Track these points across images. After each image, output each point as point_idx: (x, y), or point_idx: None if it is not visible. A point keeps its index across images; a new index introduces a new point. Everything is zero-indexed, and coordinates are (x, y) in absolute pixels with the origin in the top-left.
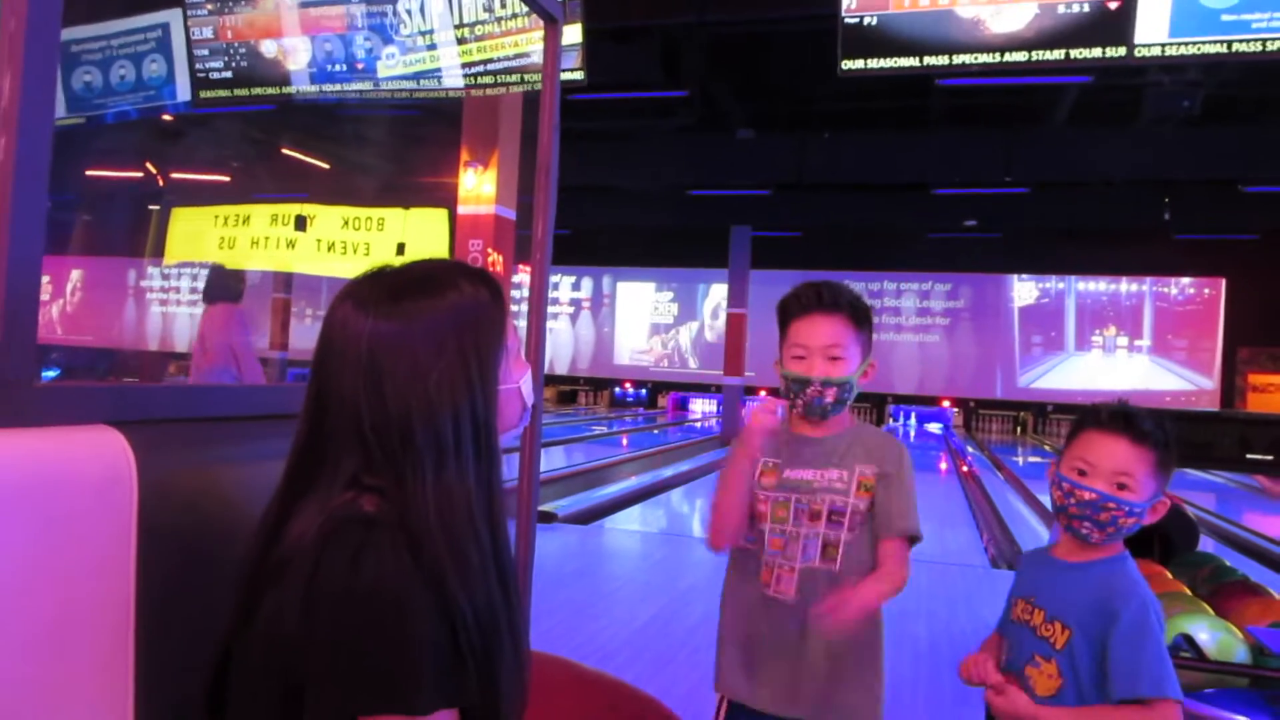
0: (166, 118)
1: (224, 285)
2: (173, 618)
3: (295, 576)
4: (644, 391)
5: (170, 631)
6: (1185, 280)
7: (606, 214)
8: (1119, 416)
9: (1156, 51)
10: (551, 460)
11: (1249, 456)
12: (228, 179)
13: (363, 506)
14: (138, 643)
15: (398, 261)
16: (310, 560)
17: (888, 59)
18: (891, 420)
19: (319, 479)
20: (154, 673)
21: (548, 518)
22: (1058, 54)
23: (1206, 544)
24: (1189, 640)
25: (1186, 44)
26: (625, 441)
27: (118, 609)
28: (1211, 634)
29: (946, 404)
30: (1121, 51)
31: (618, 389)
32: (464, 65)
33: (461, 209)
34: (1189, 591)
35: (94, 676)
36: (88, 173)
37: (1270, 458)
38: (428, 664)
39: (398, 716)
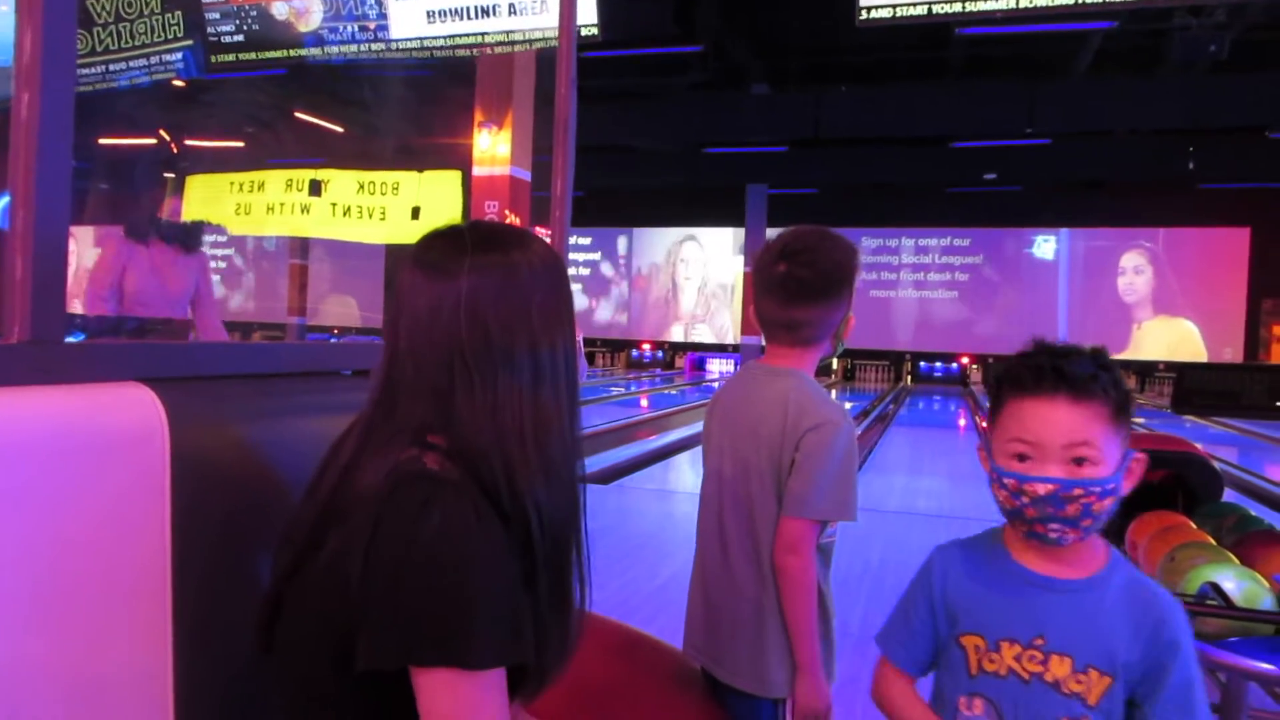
0: (178, 83)
1: (199, 235)
2: (207, 569)
3: (360, 524)
4: (661, 353)
5: (206, 583)
6: (1209, 231)
7: (621, 174)
8: (1047, 371)
9: None
10: None
11: (1279, 404)
12: (242, 145)
13: (426, 463)
14: (175, 594)
15: (455, 222)
16: (375, 510)
17: (906, 7)
18: (909, 380)
19: (387, 430)
20: (191, 623)
21: None
22: None
23: (1229, 495)
24: (1216, 589)
25: None
26: (644, 402)
27: (153, 562)
28: (1238, 583)
29: (965, 360)
30: None
31: (635, 350)
32: (477, 22)
33: (476, 170)
34: (1213, 541)
35: (132, 628)
36: (100, 140)
37: None
38: (487, 621)
39: (453, 669)
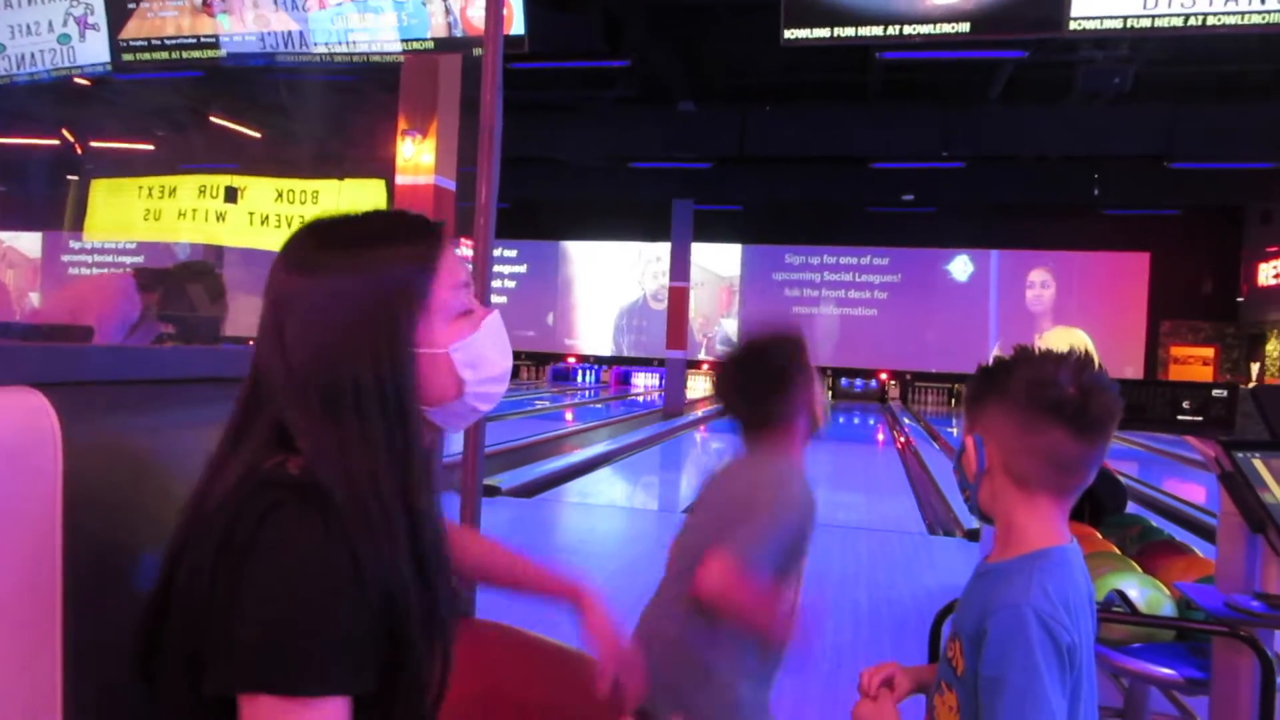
0: (82, 81)
1: None
2: (101, 586)
3: (209, 539)
4: (587, 365)
5: (99, 601)
6: (1113, 254)
7: (547, 186)
8: None
9: (1089, 25)
10: (495, 434)
11: (1180, 418)
12: (151, 148)
13: (289, 470)
14: (65, 613)
15: (348, 211)
16: (223, 522)
17: (830, 29)
18: (830, 395)
19: (246, 439)
20: (83, 644)
21: (491, 491)
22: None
23: (1132, 508)
24: (1122, 596)
25: (1114, 18)
26: (569, 416)
27: (43, 578)
28: (1141, 590)
29: (884, 376)
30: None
31: (559, 364)
32: (401, 27)
33: (400, 179)
34: (1119, 551)
35: (16, 648)
36: None
37: (1199, 418)
38: (321, 643)
39: (279, 696)
